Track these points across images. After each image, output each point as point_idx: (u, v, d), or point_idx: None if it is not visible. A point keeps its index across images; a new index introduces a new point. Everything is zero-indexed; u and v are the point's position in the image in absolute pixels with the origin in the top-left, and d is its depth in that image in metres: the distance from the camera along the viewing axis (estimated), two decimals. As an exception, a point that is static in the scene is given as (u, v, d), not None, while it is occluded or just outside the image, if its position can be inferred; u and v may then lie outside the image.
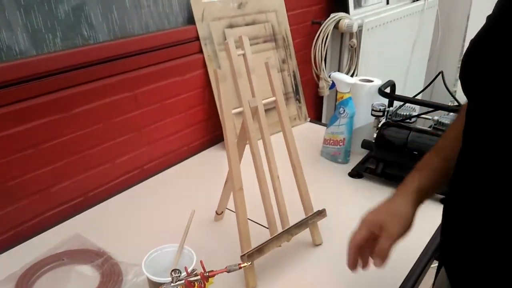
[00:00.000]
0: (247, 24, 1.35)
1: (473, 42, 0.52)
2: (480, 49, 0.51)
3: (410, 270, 0.82)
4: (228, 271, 0.64)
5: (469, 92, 0.54)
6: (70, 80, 0.97)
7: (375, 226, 0.66)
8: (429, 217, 0.97)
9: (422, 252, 0.87)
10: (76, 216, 1.01)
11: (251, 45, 0.82)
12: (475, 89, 0.52)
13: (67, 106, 0.98)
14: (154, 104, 1.17)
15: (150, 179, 1.16)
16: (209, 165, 1.24)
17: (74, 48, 0.98)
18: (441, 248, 0.62)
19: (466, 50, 0.53)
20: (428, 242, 0.89)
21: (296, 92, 1.50)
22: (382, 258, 0.64)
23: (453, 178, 0.58)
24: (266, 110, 0.82)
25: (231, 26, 1.30)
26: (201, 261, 0.65)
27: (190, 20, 1.22)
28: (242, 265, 0.65)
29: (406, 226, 0.66)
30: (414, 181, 0.68)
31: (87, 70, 1.00)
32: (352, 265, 0.69)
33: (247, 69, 0.81)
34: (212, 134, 1.37)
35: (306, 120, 1.52)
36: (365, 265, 0.70)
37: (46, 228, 0.96)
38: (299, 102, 1.51)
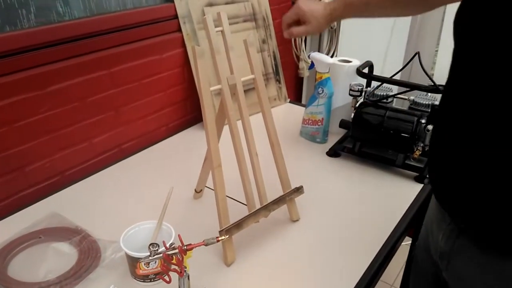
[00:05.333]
0: (227, 3, 1.33)
1: None
2: None
3: (382, 246, 0.85)
4: (206, 244, 0.65)
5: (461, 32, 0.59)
6: (44, 57, 0.95)
7: (300, 15, 0.97)
8: (402, 195, 1.01)
9: (394, 229, 0.89)
10: (53, 195, 0.99)
11: (230, 24, 0.81)
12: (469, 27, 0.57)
13: (42, 84, 0.96)
14: (132, 83, 1.15)
15: (128, 158, 1.16)
16: (188, 145, 1.24)
17: (48, 25, 0.96)
18: (429, 172, 0.70)
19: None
20: (400, 219, 0.92)
21: (276, 72, 1.50)
22: (290, 35, 1.01)
23: (441, 105, 0.66)
24: (245, 91, 0.82)
25: (210, 4, 1.29)
26: (179, 235, 0.65)
27: (169, -3, 1.20)
28: (220, 238, 0.66)
29: (316, 27, 0.98)
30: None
31: (62, 47, 0.97)
32: (284, 32, 1.02)
33: (226, 46, 0.80)
34: (191, 115, 1.36)
35: (285, 101, 1.53)
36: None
37: (22, 207, 0.95)
38: (279, 82, 1.51)
